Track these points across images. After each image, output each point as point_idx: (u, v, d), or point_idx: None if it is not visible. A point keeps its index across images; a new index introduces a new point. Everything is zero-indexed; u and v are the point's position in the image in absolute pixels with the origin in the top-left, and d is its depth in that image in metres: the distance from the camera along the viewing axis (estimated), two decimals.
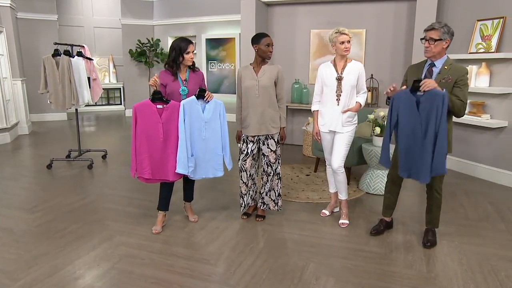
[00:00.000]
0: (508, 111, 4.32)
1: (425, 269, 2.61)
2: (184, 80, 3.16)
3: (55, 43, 4.84)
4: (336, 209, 3.62)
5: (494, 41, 4.37)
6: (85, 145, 5.83)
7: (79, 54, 5.01)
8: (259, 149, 3.39)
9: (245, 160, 3.33)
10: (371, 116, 4.16)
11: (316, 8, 6.09)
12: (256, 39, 3.23)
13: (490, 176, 4.52)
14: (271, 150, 3.32)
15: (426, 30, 2.70)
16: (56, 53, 4.71)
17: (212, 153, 3.20)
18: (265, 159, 3.35)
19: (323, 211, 3.57)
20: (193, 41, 3.18)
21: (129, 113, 9.94)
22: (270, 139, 3.30)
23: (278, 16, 6.35)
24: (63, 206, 3.69)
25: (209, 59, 9.01)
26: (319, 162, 4.96)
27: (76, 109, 5.17)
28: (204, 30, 9.01)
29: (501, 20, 4.32)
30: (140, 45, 9.40)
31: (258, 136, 3.30)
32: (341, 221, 3.34)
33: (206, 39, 8.92)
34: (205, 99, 3.12)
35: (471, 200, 3.91)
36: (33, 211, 3.57)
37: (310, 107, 5.94)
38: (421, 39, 2.75)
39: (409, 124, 2.70)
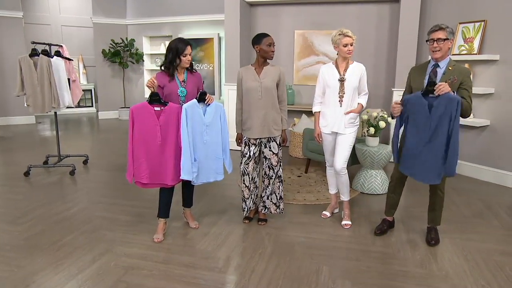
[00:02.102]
0: (490, 111, 4.51)
1: (435, 267, 2.66)
2: (182, 81, 3.05)
3: (33, 42, 4.54)
4: (336, 210, 3.62)
5: (476, 43, 4.55)
6: (61, 150, 5.51)
7: (57, 54, 4.73)
8: (260, 152, 3.33)
9: (248, 163, 3.26)
10: (364, 117, 4.20)
11: (300, 9, 6.11)
12: (257, 40, 3.17)
13: (474, 173, 4.70)
14: (273, 153, 3.27)
15: (432, 32, 2.74)
16: (33, 53, 4.41)
17: (213, 157, 3.10)
18: (267, 162, 3.29)
19: (324, 212, 3.56)
20: (191, 43, 3.07)
21: (102, 115, 9.56)
22: (272, 141, 3.25)
23: (262, 17, 6.31)
24: (51, 216, 3.45)
25: None
26: (310, 163, 4.97)
27: (55, 113, 4.88)
28: (181, 30, 8.80)
29: (482, 23, 4.50)
30: (114, 45, 9.05)
31: (260, 138, 3.24)
32: (344, 222, 3.35)
33: None
34: (206, 102, 3.02)
35: (462, 197, 4.04)
36: (17, 223, 3.31)
37: (295, 107, 6.04)
38: (427, 41, 2.80)
39: (418, 126, 2.73)
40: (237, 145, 3.36)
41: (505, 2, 4.27)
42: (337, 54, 3.19)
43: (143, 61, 9.34)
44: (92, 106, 10.56)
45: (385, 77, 5.84)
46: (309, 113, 6.05)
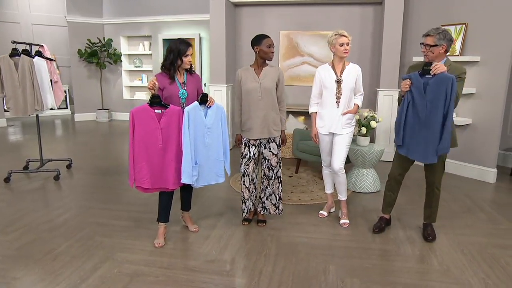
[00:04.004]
0: (472, 110, 4.71)
1: (436, 262, 2.74)
2: (183, 83, 2.99)
3: (13, 42, 4.32)
4: (332, 209, 3.67)
5: (458, 45, 4.73)
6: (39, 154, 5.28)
7: (38, 54, 4.53)
8: (260, 153, 3.32)
9: (248, 164, 3.24)
10: (356, 117, 4.27)
11: (285, 10, 6.14)
12: (257, 41, 3.16)
13: (457, 170, 4.89)
14: (273, 154, 3.27)
15: (423, 36, 2.84)
16: (14, 53, 4.20)
17: (214, 160, 3.07)
18: (267, 162, 3.29)
19: (321, 212, 3.59)
20: (191, 43, 3.03)
21: (78, 117, 9.24)
22: (272, 142, 3.25)
23: (246, 17, 6.29)
24: (41, 224, 3.30)
25: None
26: (300, 163, 5.01)
27: (37, 115, 4.67)
28: (161, 30, 8.65)
29: (463, 26, 4.69)
30: (91, 45, 8.77)
31: (260, 139, 3.24)
32: (342, 221, 3.39)
33: (163, 39, 8.58)
34: (207, 104, 2.99)
35: (449, 194, 4.19)
36: (6, 232, 3.15)
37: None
38: (421, 43, 2.89)
39: (415, 106, 2.81)
40: (237, 146, 3.34)
41: (484, 6, 4.46)
42: (334, 55, 3.23)
43: (121, 61, 9.11)
44: (66, 108, 10.19)
45: (369, 77, 5.96)
46: (296, 113, 6.10)
